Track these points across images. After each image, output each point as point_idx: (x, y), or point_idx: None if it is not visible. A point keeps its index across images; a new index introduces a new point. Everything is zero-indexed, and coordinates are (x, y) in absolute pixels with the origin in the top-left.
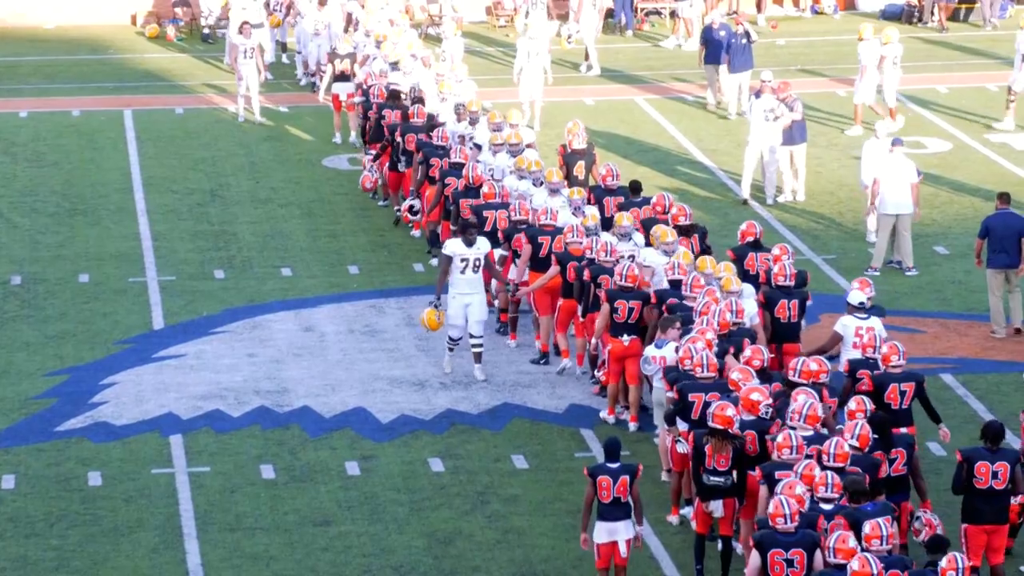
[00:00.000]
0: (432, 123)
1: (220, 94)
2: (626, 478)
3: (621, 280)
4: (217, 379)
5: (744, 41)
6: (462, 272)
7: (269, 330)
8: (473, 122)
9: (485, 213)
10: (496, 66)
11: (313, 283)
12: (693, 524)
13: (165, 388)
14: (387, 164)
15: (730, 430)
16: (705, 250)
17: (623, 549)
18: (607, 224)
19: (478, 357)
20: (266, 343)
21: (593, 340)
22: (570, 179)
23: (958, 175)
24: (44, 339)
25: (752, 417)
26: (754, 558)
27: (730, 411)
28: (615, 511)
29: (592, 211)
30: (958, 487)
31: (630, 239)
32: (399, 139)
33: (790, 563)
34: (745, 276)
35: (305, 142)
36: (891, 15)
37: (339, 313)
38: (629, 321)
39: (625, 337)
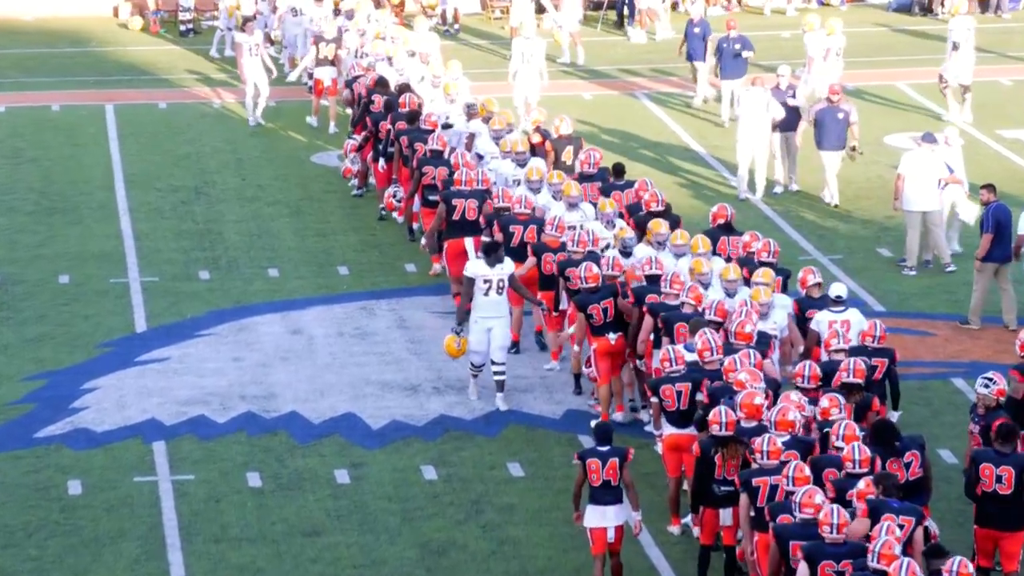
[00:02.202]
0: (415, 113)
1: (205, 88)
2: (615, 461)
3: (583, 283)
4: (202, 383)
5: (737, 47)
6: (485, 294)
7: (256, 333)
8: (487, 120)
9: (454, 202)
10: (492, 59)
11: (301, 284)
12: (696, 532)
13: (148, 393)
14: (370, 155)
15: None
16: None
17: (611, 535)
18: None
19: (501, 385)
20: (252, 346)
21: (575, 348)
22: (557, 165)
23: (969, 172)
24: (22, 342)
25: (754, 423)
26: (802, 569)
27: (731, 415)
28: (605, 495)
29: (622, 223)
30: (968, 488)
31: (664, 246)
32: (390, 126)
33: (840, 575)
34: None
35: (293, 138)
36: (901, 7)
37: (328, 315)
38: (608, 320)
39: (611, 335)
